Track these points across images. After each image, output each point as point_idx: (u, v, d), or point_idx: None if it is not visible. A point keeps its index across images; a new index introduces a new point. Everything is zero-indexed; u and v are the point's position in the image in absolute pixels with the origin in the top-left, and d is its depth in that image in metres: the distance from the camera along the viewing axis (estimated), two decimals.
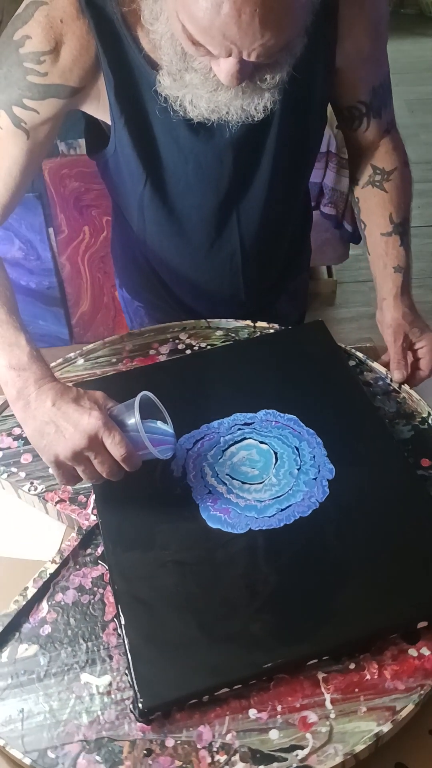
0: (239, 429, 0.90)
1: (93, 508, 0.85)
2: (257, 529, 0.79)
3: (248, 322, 1.08)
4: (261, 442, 0.88)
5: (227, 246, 1.04)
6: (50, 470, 0.79)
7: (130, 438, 0.76)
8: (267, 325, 1.07)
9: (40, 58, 0.79)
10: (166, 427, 0.82)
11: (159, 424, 0.82)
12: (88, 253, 2.01)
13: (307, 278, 1.30)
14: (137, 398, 0.77)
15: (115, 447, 0.74)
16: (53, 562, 0.80)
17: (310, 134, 0.98)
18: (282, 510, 0.81)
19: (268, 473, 0.85)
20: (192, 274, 1.08)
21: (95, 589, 0.79)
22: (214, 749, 0.66)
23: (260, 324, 1.07)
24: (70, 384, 0.82)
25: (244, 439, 0.89)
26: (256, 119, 0.80)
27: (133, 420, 0.76)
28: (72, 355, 1.05)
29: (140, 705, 0.67)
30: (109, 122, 0.89)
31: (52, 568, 0.80)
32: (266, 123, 0.86)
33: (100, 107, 0.87)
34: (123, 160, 0.93)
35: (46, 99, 0.82)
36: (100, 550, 0.82)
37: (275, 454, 0.87)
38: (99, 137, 0.94)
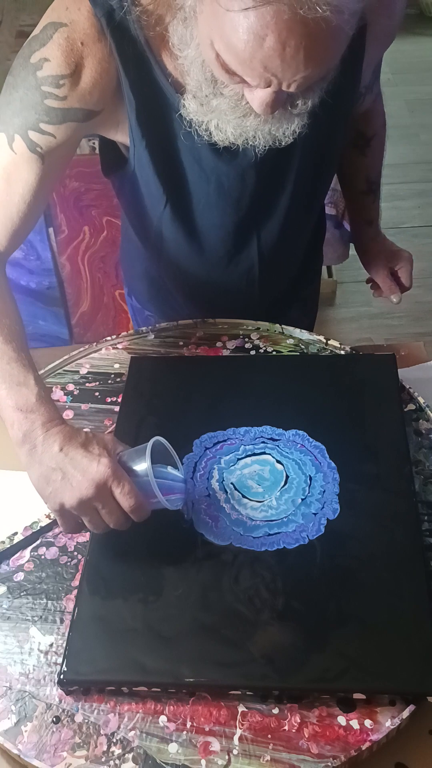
0: (263, 442, 0.88)
1: None
2: (238, 546, 0.78)
3: (321, 337, 1.04)
4: (278, 461, 0.86)
5: (245, 261, 1.02)
6: (53, 516, 0.77)
7: (139, 485, 0.72)
8: (338, 345, 1.03)
9: (59, 81, 0.76)
10: (176, 473, 0.79)
11: (170, 469, 0.78)
12: (88, 253, 2.00)
13: (318, 286, 1.27)
14: (149, 444, 0.74)
15: (124, 497, 0.71)
16: (47, 517, 0.85)
17: (334, 150, 0.94)
18: (269, 535, 0.79)
19: (271, 495, 0.83)
20: (208, 287, 1.07)
21: (76, 554, 0.82)
22: (114, 740, 0.68)
23: (332, 342, 1.03)
24: (84, 431, 0.76)
25: (264, 453, 0.87)
26: (283, 144, 0.77)
27: (145, 466, 0.73)
28: (144, 329, 1.08)
29: (62, 675, 0.70)
30: (127, 144, 0.87)
31: (44, 522, 0.84)
32: (291, 144, 0.81)
33: (119, 130, 0.86)
34: (142, 181, 0.91)
35: (63, 123, 0.79)
36: None
37: (287, 477, 0.84)
38: (115, 157, 0.92)
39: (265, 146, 0.78)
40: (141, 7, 0.75)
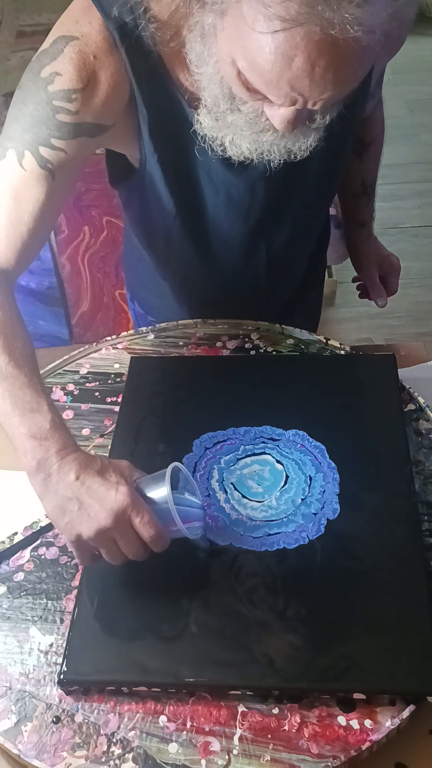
0: (263, 442, 0.88)
1: None
2: (238, 546, 0.78)
3: (321, 337, 1.04)
4: (278, 461, 0.86)
5: (253, 270, 1.02)
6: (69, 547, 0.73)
7: (158, 513, 0.69)
8: (338, 345, 1.03)
9: (72, 95, 0.75)
10: (194, 499, 0.76)
11: (187, 495, 0.76)
12: (88, 253, 2.00)
13: (322, 289, 1.28)
14: (168, 470, 0.71)
15: (143, 527, 0.68)
16: (47, 516, 0.84)
17: (343, 158, 0.94)
18: (269, 535, 0.79)
19: (271, 495, 0.83)
20: (215, 296, 1.07)
21: None
22: (114, 740, 0.68)
23: (332, 342, 1.03)
24: (92, 453, 0.76)
25: (264, 453, 0.87)
26: (298, 158, 0.77)
27: (164, 493, 0.70)
28: (144, 329, 1.08)
29: (62, 675, 0.70)
30: (137, 157, 0.87)
31: (44, 522, 0.84)
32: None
33: (129, 144, 0.85)
34: (152, 195, 0.91)
35: (75, 138, 0.77)
36: None
37: (286, 477, 0.84)
38: (122, 168, 0.92)
39: (280, 160, 0.78)
40: (155, 22, 0.74)
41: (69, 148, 0.78)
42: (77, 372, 1.03)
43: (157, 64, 0.77)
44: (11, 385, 0.72)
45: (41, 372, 1.01)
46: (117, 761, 0.66)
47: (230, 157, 0.79)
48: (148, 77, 0.78)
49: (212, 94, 0.73)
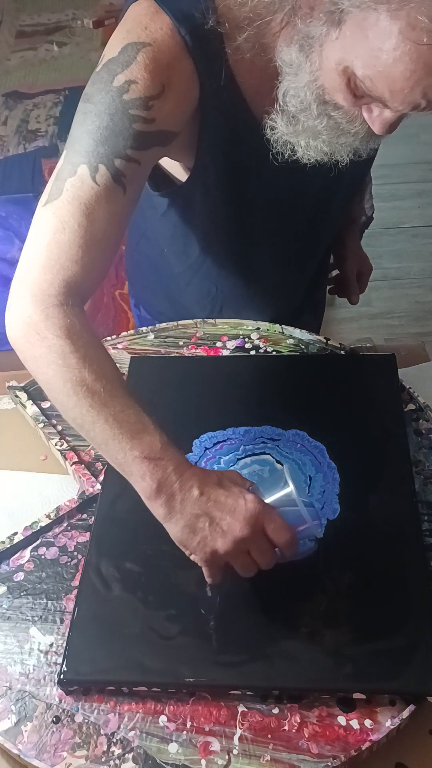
0: (263, 442, 0.88)
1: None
2: None
3: (321, 337, 1.04)
4: (278, 461, 0.86)
5: (288, 271, 1.03)
6: (200, 566, 0.70)
7: (284, 516, 0.68)
8: (338, 345, 1.03)
9: (148, 103, 0.72)
10: (304, 499, 0.72)
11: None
12: None
13: (326, 287, 1.28)
14: (285, 471, 0.71)
15: (277, 533, 0.67)
16: (48, 517, 0.85)
17: (374, 154, 0.94)
18: None
19: (269, 495, 0.82)
20: (249, 302, 1.07)
21: (76, 553, 0.82)
22: (114, 740, 0.68)
23: (332, 343, 1.03)
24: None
25: (264, 453, 0.87)
26: (363, 157, 0.77)
27: (287, 495, 0.69)
28: (144, 329, 1.08)
29: (62, 675, 0.70)
30: (190, 164, 0.85)
31: (44, 522, 0.84)
32: None
33: (186, 151, 0.83)
34: (202, 201, 0.90)
35: (150, 148, 0.75)
36: (93, 519, 0.85)
37: None
38: (163, 176, 0.90)
39: (347, 160, 0.78)
40: (225, 27, 0.73)
41: (143, 158, 0.75)
42: None
43: (224, 69, 0.76)
44: (113, 410, 0.69)
45: None
46: (117, 761, 0.66)
47: (288, 161, 0.78)
48: (215, 82, 0.76)
49: (302, 100, 0.72)
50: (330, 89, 0.70)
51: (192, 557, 0.69)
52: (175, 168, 0.89)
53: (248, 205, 0.91)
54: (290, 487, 0.69)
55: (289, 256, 1.02)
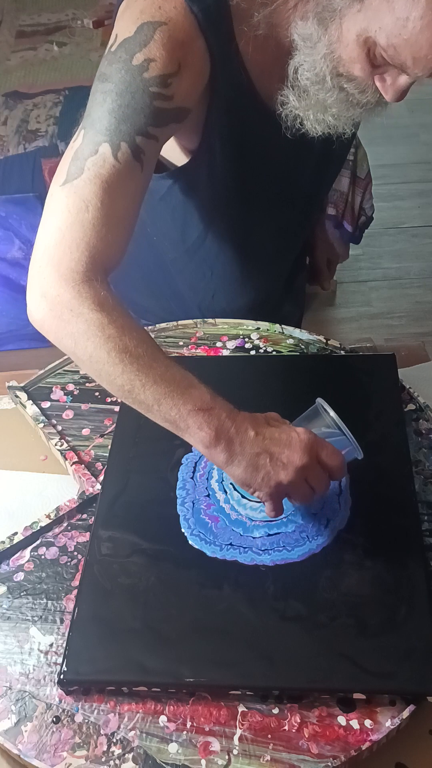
0: None
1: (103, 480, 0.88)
2: (238, 546, 0.78)
3: (321, 337, 1.04)
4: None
5: (285, 250, 1.06)
6: (265, 505, 0.76)
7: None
8: (338, 345, 1.03)
9: (167, 81, 0.74)
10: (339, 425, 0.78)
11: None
12: None
13: (305, 276, 1.31)
14: (322, 402, 0.77)
15: (330, 457, 0.72)
16: (47, 517, 0.85)
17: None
18: (269, 535, 0.79)
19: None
20: (241, 287, 1.08)
21: (75, 553, 0.82)
22: (114, 740, 0.68)
23: (332, 342, 1.04)
24: None
25: None
26: (358, 128, 0.81)
27: (329, 423, 0.75)
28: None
29: (62, 675, 0.70)
30: (194, 143, 0.86)
31: (44, 522, 0.84)
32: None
33: (193, 129, 0.84)
34: (204, 180, 0.91)
35: (168, 125, 0.77)
36: (93, 519, 0.85)
37: None
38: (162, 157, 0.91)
39: (348, 131, 0.81)
40: (242, 6, 0.75)
41: (161, 135, 0.77)
42: (77, 372, 1.02)
43: (234, 46, 0.78)
44: (158, 370, 0.72)
45: (41, 372, 1.02)
46: (117, 761, 0.66)
47: (294, 135, 0.81)
48: (225, 61, 0.78)
49: (317, 72, 0.74)
50: (347, 60, 0.73)
51: (256, 494, 0.73)
52: (169, 152, 0.90)
53: (252, 184, 0.92)
54: (331, 416, 0.74)
55: (283, 234, 1.05)
